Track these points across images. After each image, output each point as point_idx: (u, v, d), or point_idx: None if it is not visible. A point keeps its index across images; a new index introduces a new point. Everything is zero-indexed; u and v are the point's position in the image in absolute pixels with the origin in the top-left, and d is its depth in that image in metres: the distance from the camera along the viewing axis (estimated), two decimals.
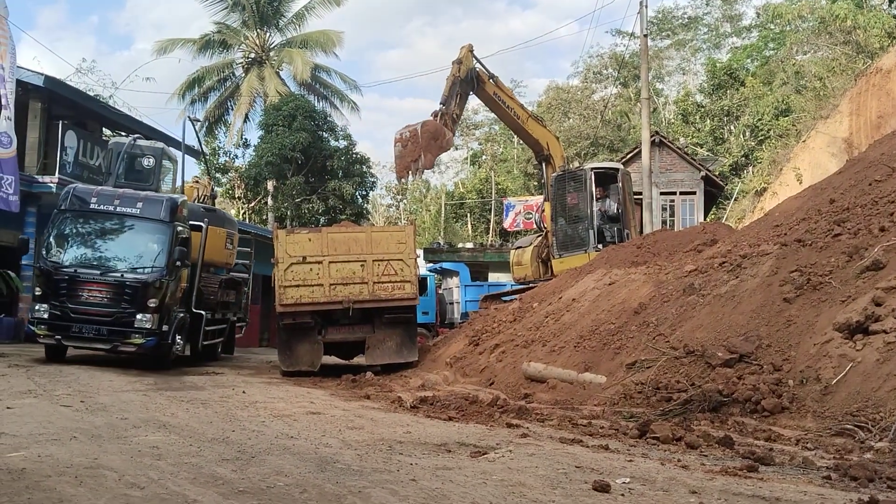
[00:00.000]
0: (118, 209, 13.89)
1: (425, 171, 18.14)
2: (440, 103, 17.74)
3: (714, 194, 31.31)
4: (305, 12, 41.26)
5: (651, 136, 24.52)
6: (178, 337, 14.39)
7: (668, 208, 28.69)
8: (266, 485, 4.73)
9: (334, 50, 41.07)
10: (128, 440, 6.27)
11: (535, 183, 47.69)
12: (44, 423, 6.92)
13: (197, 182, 20.84)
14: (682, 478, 5.58)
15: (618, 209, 18.11)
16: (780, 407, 8.11)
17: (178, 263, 14.09)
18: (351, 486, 4.76)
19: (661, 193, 28.11)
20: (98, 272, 13.39)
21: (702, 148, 39.25)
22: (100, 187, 14.79)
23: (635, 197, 20.73)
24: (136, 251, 13.86)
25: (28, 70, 18.92)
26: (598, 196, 18.13)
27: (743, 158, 37.60)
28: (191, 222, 15.40)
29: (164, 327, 13.72)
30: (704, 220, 29.00)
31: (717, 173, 32.77)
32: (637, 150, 26.87)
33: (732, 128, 39.58)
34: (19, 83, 16.80)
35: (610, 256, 14.98)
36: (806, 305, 9.47)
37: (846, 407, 7.64)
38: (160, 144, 17.62)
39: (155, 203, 14.16)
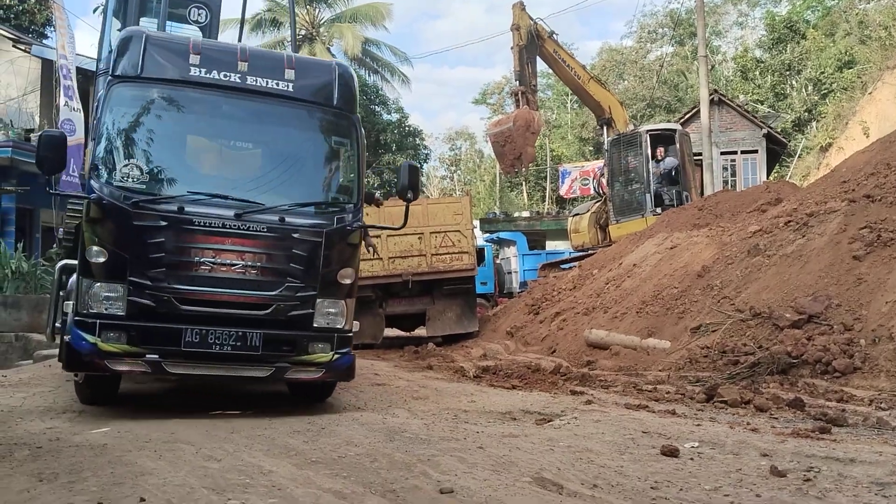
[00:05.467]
0: (248, 82, 6.75)
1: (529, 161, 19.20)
2: (515, 80, 18.54)
3: (777, 152, 30.42)
4: None
5: (710, 95, 23.93)
6: None
7: (729, 168, 27.99)
8: (337, 455, 4.83)
9: (383, 23, 40.89)
10: (202, 414, 6.46)
11: (591, 148, 47.09)
12: (122, 399, 7.16)
13: None
14: (752, 441, 5.52)
15: (676, 171, 17.76)
16: (852, 367, 7.94)
17: (411, 195, 7.33)
18: (420, 455, 4.83)
19: (722, 153, 27.43)
20: (230, 213, 6.38)
21: (762, 104, 38.14)
22: (199, 37, 8.10)
23: (695, 158, 20.34)
24: (297, 172, 7.07)
25: (86, 57, 19.31)
26: (658, 158, 17.81)
27: (806, 114, 36.43)
28: None
29: (356, 325, 7.12)
30: (767, 178, 28.28)
31: (779, 130, 31.84)
32: (695, 109, 26.26)
33: (794, 82, 38.34)
34: (78, 70, 17.18)
35: (671, 220, 14.75)
36: (877, 263, 9.20)
37: None
38: None
39: (320, 71, 7.27)
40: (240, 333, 6.35)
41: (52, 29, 23.47)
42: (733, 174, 27.93)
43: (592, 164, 34.68)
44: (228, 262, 6.36)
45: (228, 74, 6.71)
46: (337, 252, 6.73)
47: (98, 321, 6.11)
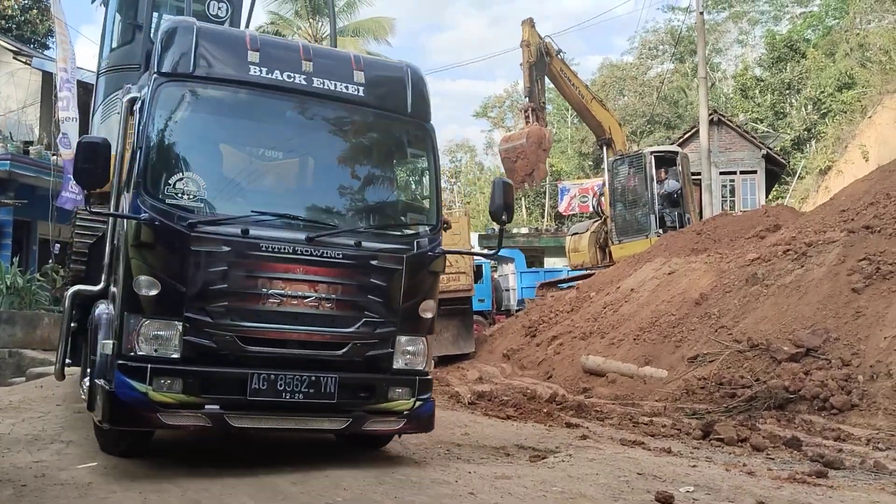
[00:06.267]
0: (314, 85, 5.89)
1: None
2: (525, 96, 18.93)
3: (776, 173, 30.43)
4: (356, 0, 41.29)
5: (709, 115, 23.96)
6: None
7: (728, 188, 27.98)
8: (325, 500, 4.74)
9: (386, 38, 41.00)
10: (189, 451, 6.36)
11: (590, 163, 47.10)
12: None
13: None
14: (748, 486, 5.46)
15: (678, 193, 17.85)
16: (850, 404, 7.89)
17: (506, 216, 6.25)
18: (409, 503, 4.76)
19: (721, 173, 27.40)
20: (300, 236, 5.51)
21: (762, 123, 38.20)
22: (255, 32, 6.93)
23: (694, 178, 20.43)
24: (369, 188, 6.35)
25: (87, 70, 19.30)
26: (659, 180, 17.93)
27: (805, 132, 36.49)
28: None
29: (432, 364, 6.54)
30: (766, 198, 28.28)
31: (778, 149, 31.85)
32: (694, 129, 26.30)
33: (794, 101, 38.42)
34: (79, 83, 17.15)
35: (669, 243, 14.73)
36: (875, 296, 9.17)
37: None
38: None
39: (390, 73, 6.41)
40: (312, 378, 5.43)
41: (54, 40, 23.51)
42: (732, 194, 27.90)
43: (592, 181, 34.67)
44: (300, 294, 5.47)
45: (292, 75, 5.84)
46: (418, 281, 5.87)
47: (149, 366, 5.14)
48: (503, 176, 18.49)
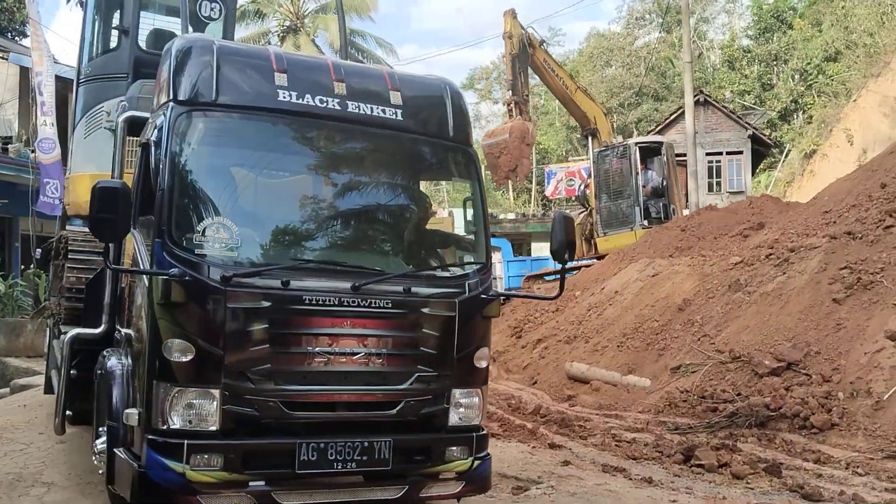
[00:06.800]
0: (349, 110, 5.22)
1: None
2: (508, 89, 18.94)
3: (762, 153, 30.41)
4: None
5: (695, 95, 23.88)
6: None
7: (714, 169, 27.93)
8: None
9: (369, 14, 40.55)
10: None
11: (578, 135, 46.94)
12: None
13: None
14: None
15: (663, 184, 17.81)
16: (830, 423, 7.97)
17: (568, 255, 5.50)
18: None
19: (707, 154, 27.35)
20: (345, 285, 4.84)
21: (749, 95, 38.11)
22: (279, 49, 5.96)
23: (680, 160, 20.39)
24: (413, 225, 5.77)
25: (65, 65, 19.01)
26: (643, 171, 17.90)
27: (792, 104, 36.47)
28: None
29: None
30: (752, 178, 28.27)
31: (765, 123, 31.78)
32: (680, 110, 26.23)
33: (780, 72, 38.34)
34: (57, 79, 16.89)
35: (653, 241, 14.73)
36: (856, 307, 9.21)
37: None
38: None
39: (428, 92, 5.71)
40: (365, 444, 4.83)
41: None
42: (718, 175, 27.88)
43: (578, 164, 34.58)
44: (348, 350, 4.84)
45: (325, 100, 5.15)
46: (472, 328, 5.26)
47: (185, 441, 4.47)
48: (492, 169, 18.51)
